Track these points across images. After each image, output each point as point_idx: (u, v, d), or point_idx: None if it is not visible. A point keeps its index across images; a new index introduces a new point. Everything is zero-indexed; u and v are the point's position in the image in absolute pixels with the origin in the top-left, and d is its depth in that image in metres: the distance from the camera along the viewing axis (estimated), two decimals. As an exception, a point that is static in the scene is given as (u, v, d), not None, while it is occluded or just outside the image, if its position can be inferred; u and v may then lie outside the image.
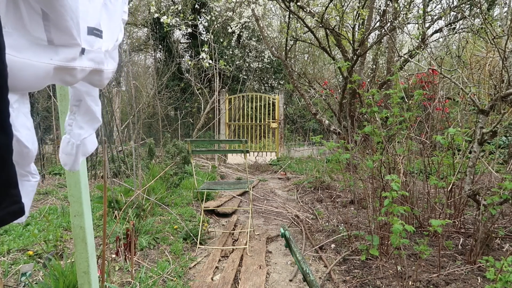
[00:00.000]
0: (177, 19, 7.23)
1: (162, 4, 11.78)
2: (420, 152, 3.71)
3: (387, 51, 8.68)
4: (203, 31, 12.50)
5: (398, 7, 6.17)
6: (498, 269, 1.93)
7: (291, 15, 6.59)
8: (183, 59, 11.70)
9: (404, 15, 6.21)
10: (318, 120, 7.02)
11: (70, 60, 0.80)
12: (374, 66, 9.31)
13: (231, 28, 7.97)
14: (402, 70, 6.90)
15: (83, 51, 0.83)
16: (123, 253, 2.56)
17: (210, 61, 7.08)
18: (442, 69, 3.25)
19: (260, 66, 11.84)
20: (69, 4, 0.72)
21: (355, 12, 6.95)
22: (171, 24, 7.07)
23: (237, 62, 11.42)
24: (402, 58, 6.00)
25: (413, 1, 6.53)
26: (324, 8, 6.04)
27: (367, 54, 8.79)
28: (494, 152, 4.31)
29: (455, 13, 6.53)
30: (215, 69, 8.41)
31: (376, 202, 2.99)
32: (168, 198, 4.34)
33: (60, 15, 0.71)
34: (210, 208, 4.25)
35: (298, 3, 5.91)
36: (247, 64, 11.62)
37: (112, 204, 3.40)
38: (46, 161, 6.07)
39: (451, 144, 3.03)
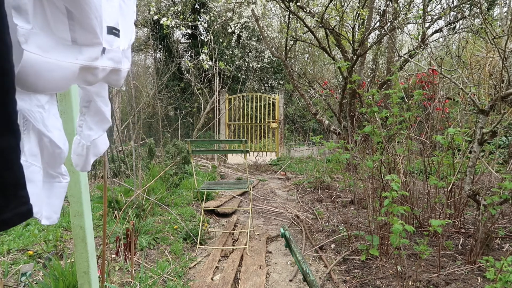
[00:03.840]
0: (177, 21, 7.23)
1: (162, 4, 11.78)
2: (420, 152, 3.71)
3: (387, 51, 8.68)
4: (203, 31, 12.51)
5: (398, 7, 6.17)
6: (498, 269, 1.93)
7: (291, 15, 6.59)
8: (183, 59, 11.70)
9: (404, 15, 6.21)
10: (318, 120, 7.02)
11: (93, 60, 0.80)
12: (374, 66, 9.31)
13: (231, 28, 7.97)
14: (402, 70, 6.90)
15: (103, 50, 0.83)
16: (123, 253, 2.56)
17: (210, 63, 7.08)
18: (442, 69, 3.25)
19: (260, 66, 11.84)
20: (93, 2, 0.72)
21: (355, 12, 6.95)
22: (170, 26, 7.07)
23: (237, 62, 11.42)
24: (402, 58, 6.00)
25: (413, 1, 6.53)
26: (324, 8, 6.04)
27: (367, 54, 8.79)
28: (494, 152, 4.31)
29: (455, 13, 6.53)
30: (215, 69, 8.41)
31: (376, 202, 2.99)
32: (168, 198, 4.34)
33: (85, 14, 0.71)
34: (210, 208, 4.25)
35: (298, 3, 5.91)
36: (247, 64, 11.62)
37: (112, 204, 3.40)
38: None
39: (451, 144, 3.03)
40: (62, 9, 0.69)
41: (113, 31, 0.87)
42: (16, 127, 0.57)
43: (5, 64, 0.54)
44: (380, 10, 7.14)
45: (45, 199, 0.78)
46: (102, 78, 0.88)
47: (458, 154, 3.49)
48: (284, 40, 7.56)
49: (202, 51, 6.77)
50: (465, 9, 7.33)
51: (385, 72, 8.61)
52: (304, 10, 6.16)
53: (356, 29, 7.48)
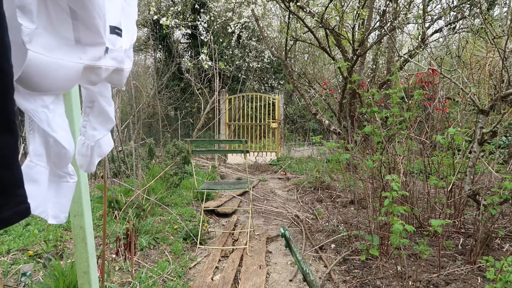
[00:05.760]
0: (177, 21, 7.23)
1: (162, 4, 11.78)
2: (420, 152, 3.71)
3: (387, 51, 8.68)
4: (203, 31, 12.51)
5: (398, 7, 6.17)
6: (498, 269, 1.93)
7: (291, 15, 6.58)
8: (183, 59, 11.70)
9: (404, 15, 6.22)
10: (318, 120, 7.02)
11: (97, 59, 0.80)
12: (374, 66, 9.31)
13: (231, 28, 7.98)
14: (402, 70, 6.90)
15: (106, 50, 0.83)
16: (123, 253, 2.56)
17: (210, 63, 7.08)
18: (442, 69, 3.25)
19: (260, 66, 11.84)
20: (97, 1, 0.71)
21: (355, 12, 6.95)
22: (170, 26, 7.07)
23: (237, 62, 11.42)
24: (402, 58, 6.00)
25: (413, 1, 6.54)
26: (324, 8, 6.04)
27: (367, 54, 8.79)
28: (494, 152, 4.31)
29: (455, 13, 6.53)
30: (215, 69, 8.41)
31: (376, 202, 2.99)
32: (168, 198, 4.34)
33: (89, 13, 0.71)
34: (210, 208, 4.25)
35: (298, 3, 5.91)
36: (247, 64, 11.62)
37: (112, 204, 3.40)
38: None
39: (451, 144, 3.03)
40: (65, 8, 0.69)
41: (116, 30, 0.87)
42: (14, 127, 0.57)
43: (3, 63, 0.54)
44: (380, 10, 7.15)
45: (52, 199, 0.78)
46: (105, 78, 0.88)
47: (458, 154, 3.49)
48: (284, 40, 7.56)
49: (202, 51, 6.77)
50: (465, 9, 7.33)
51: (385, 72, 8.61)
52: (304, 10, 6.16)
53: (356, 29, 7.49)
